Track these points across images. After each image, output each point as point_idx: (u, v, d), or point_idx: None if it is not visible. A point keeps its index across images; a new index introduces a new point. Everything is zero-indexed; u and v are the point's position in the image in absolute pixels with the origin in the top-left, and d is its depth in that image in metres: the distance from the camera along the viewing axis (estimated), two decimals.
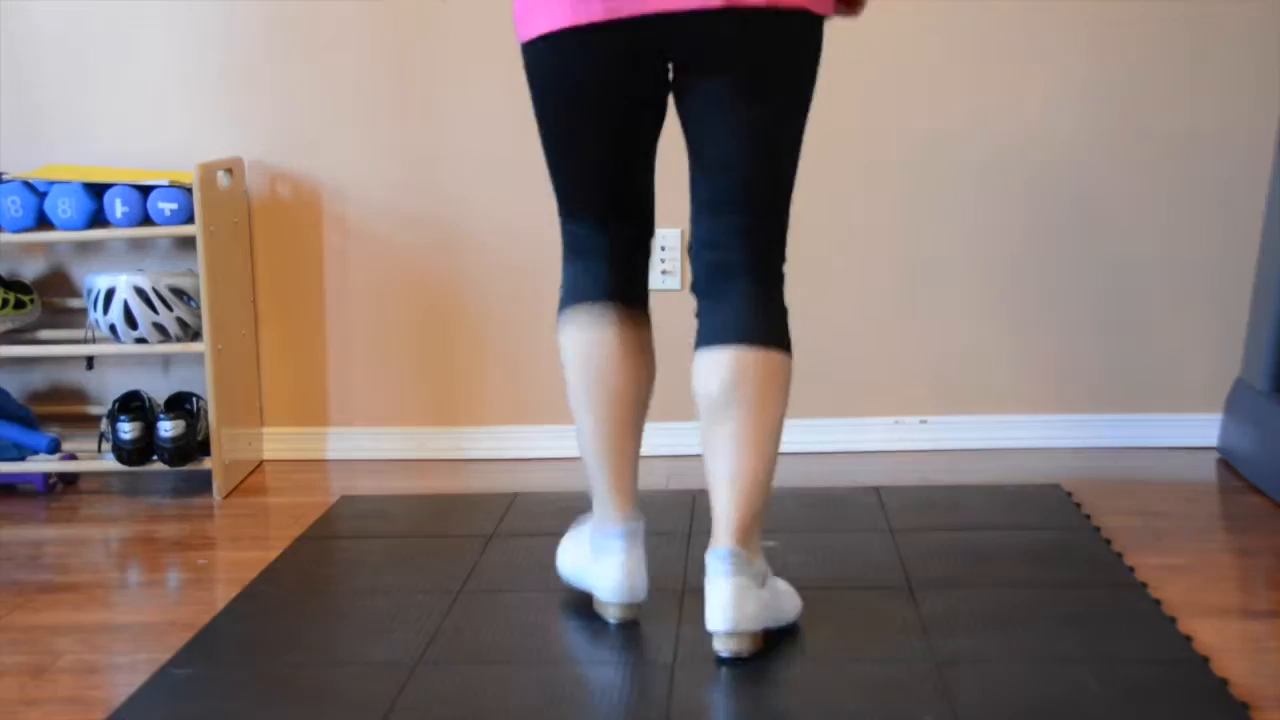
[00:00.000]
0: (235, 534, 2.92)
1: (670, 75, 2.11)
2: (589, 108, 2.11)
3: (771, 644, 2.18)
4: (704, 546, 2.63)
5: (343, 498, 3.11)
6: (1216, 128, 3.22)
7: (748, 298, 2.15)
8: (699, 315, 2.20)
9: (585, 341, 2.24)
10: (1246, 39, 3.19)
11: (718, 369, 2.13)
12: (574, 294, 2.27)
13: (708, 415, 2.15)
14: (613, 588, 2.28)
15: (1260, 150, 3.19)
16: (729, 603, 2.11)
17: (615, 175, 2.19)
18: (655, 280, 3.31)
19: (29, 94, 3.39)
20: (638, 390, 2.26)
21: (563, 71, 2.09)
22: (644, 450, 3.10)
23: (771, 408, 2.14)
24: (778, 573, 2.46)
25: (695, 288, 2.21)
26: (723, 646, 2.14)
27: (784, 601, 2.24)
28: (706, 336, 2.16)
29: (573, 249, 2.29)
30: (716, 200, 2.14)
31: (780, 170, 2.14)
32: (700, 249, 2.18)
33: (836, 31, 3.24)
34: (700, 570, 2.53)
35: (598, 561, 2.30)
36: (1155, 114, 3.23)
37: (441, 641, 2.26)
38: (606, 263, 2.26)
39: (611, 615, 2.31)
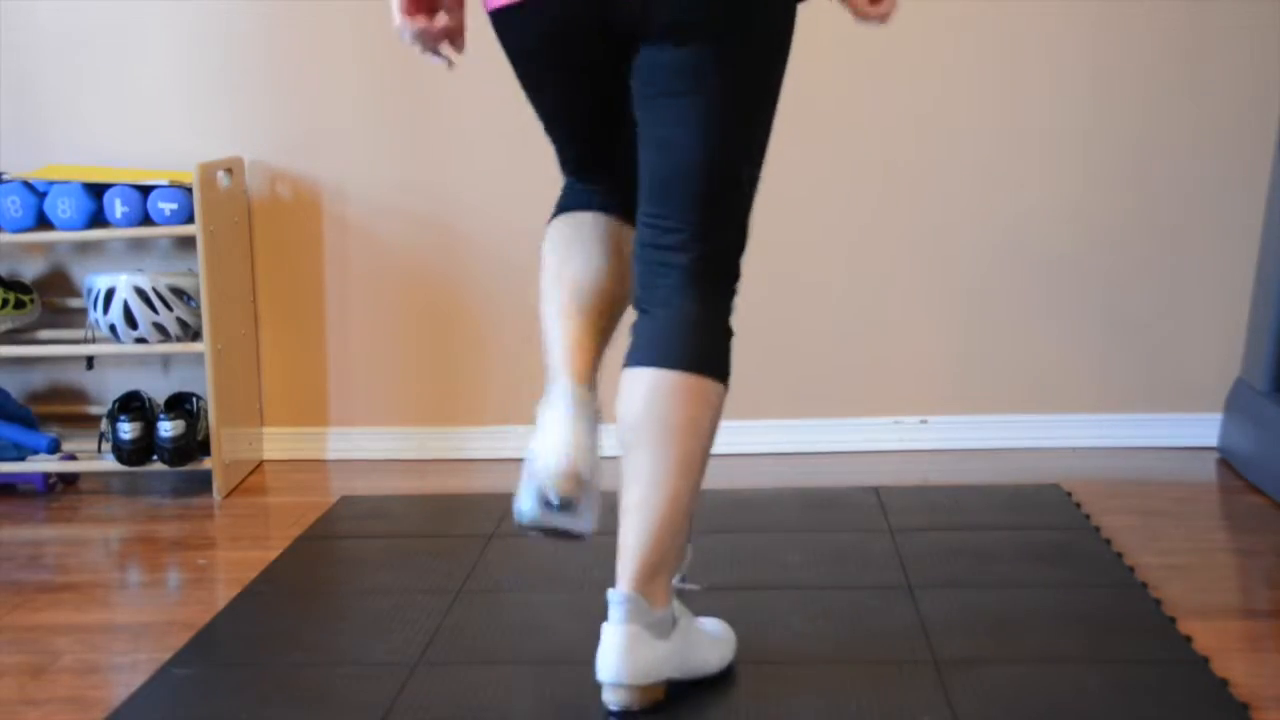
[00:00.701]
0: (235, 534, 2.92)
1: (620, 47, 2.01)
2: (549, 75, 2.06)
3: (683, 694, 2.02)
4: (704, 546, 2.63)
5: (343, 498, 3.11)
6: (1216, 127, 3.22)
7: (685, 314, 1.98)
8: (632, 330, 2.03)
9: (568, 236, 2.12)
10: (1247, 39, 3.18)
11: (635, 390, 1.95)
12: (561, 205, 2.17)
13: (622, 439, 1.96)
14: (550, 449, 1.96)
15: (1260, 150, 3.19)
16: (614, 652, 1.93)
17: (594, 142, 2.13)
18: None
19: (29, 94, 3.39)
20: (613, 289, 2.08)
21: (516, 41, 2.05)
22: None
23: (690, 440, 1.93)
24: (772, 573, 2.46)
25: (635, 300, 2.04)
26: (609, 697, 1.96)
27: (701, 651, 2.06)
28: (632, 355, 1.99)
29: (566, 185, 2.21)
30: (656, 188, 1.99)
31: (730, 159, 1.97)
32: (642, 248, 2.03)
33: (841, 24, 3.24)
34: (700, 571, 2.53)
35: (538, 434, 2.00)
36: (1155, 113, 3.23)
37: (441, 641, 2.26)
38: (601, 193, 2.14)
39: (551, 488, 1.95)
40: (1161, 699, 1.98)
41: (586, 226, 2.13)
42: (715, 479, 3.10)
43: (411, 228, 3.37)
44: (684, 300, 1.98)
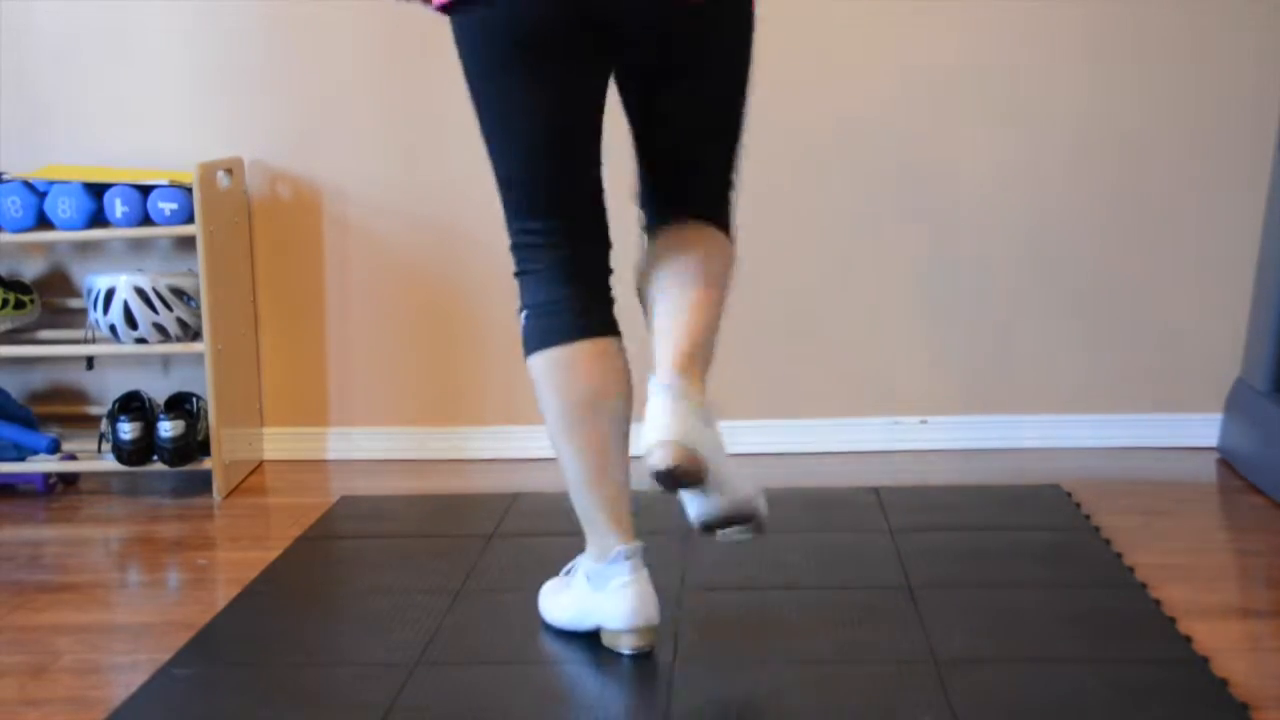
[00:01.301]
0: (235, 534, 2.92)
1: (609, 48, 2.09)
2: (548, 71, 2.07)
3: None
4: (703, 547, 2.63)
5: (343, 498, 3.11)
6: (1216, 128, 3.22)
7: (697, 207, 2.21)
8: (646, 222, 2.24)
9: (556, 380, 2.13)
10: (1247, 39, 3.18)
11: (675, 226, 2.18)
12: (539, 337, 2.16)
13: (652, 271, 2.16)
14: (627, 613, 2.14)
15: (1260, 150, 3.19)
16: (657, 415, 2.00)
17: (577, 155, 2.14)
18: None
19: (29, 94, 3.39)
20: (619, 416, 2.14)
21: (508, 36, 2.05)
22: (638, 451, 3.11)
23: (716, 261, 2.15)
24: (772, 573, 2.46)
25: (644, 218, 2.24)
26: (655, 457, 1.99)
27: (731, 464, 2.09)
28: (662, 217, 2.21)
29: (526, 270, 2.19)
30: (664, 160, 2.19)
31: (735, 130, 2.18)
32: (649, 205, 2.24)
33: (836, 26, 3.24)
34: (699, 571, 2.53)
35: (602, 592, 2.18)
36: (1155, 113, 3.23)
37: (441, 641, 2.26)
38: (565, 282, 2.15)
39: (626, 644, 2.16)
40: (1161, 699, 1.98)
41: (577, 368, 2.13)
42: None
43: (411, 228, 3.37)
44: (697, 206, 2.22)
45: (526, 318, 2.18)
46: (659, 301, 2.14)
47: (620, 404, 2.14)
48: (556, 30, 2.02)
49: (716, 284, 2.15)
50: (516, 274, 2.20)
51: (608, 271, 2.21)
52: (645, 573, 2.16)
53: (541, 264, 2.16)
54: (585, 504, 2.17)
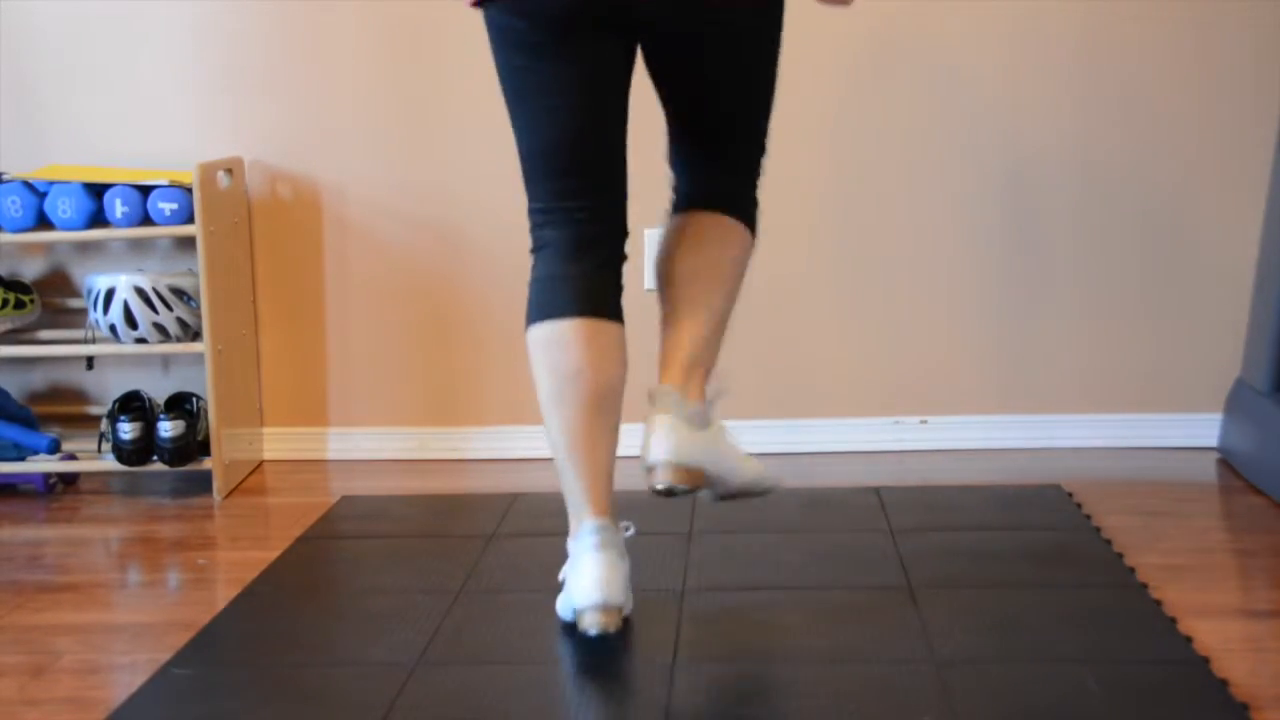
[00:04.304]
0: (235, 534, 2.92)
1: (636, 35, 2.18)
2: (573, 51, 2.13)
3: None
4: (704, 546, 2.64)
5: (343, 498, 3.11)
6: (1216, 126, 3.22)
7: (726, 183, 2.29)
8: (674, 195, 2.31)
9: (550, 351, 2.18)
10: (1247, 38, 3.18)
11: (685, 223, 2.24)
12: (539, 308, 2.21)
13: (663, 262, 2.21)
14: (587, 588, 2.15)
15: (1260, 150, 3.19)
16: (655, 435, 2.13)
17: (586, 144, 2.19)
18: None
19: (29, 94, 3.39)
20: (606, 393, 2.18)
21: (526, 30, 2.13)
22: (638, 451, 3.10)
23: (729, 252, 2.21)
24: (772, 573, 2.46)
25: (674, 181, 2.32)
26: (655, 478, 2.14)
27: (733, 457, 2.25)
28: (679, 204, 2.28)
29: (539, 241, 2.25)
30: (699, 136, 2.26)
31: (765, 109, 2.26)
32: (682, 177, 2.31)
33: (832, 26, 3.24)
34: (700, 571, 2.53)
35: (571, 569, 2.21)
36: (1155, 113, 3.23)
37: (441, 641, 2.26)
38: (574, 261, 2.20)
39: (588, 624, 2.15)
40: (1161, 699, 1.98)
41: (570, 341, 2.18)
42: None
43: (411, 228, 3.37)
44: (726, 182, 2.30)
45: (531, 290, 2.24)
46: (669, 298, 2.22)
47: (609, 385, 2.18)
48: (583, 10, 2.09)
49: (726, 284, 2.22)
50: (531, 250, 2.27)
51: (620, 256, 2.24)
52: (615, 552, 2.17)
53: (554, 240, 2.22)
54: (566, 477, 2.21)
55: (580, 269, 2.20)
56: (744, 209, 2.30)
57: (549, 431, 2.21)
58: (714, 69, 2.19)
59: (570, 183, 2.20)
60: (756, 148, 2.32)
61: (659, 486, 2.12)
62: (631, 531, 2.28)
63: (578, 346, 2.16)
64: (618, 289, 2.23)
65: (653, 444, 2.14)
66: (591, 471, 2.18)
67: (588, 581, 2.15)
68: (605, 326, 2.18)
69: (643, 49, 2.21)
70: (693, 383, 2.16)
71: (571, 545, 2.22)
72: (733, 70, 2.21)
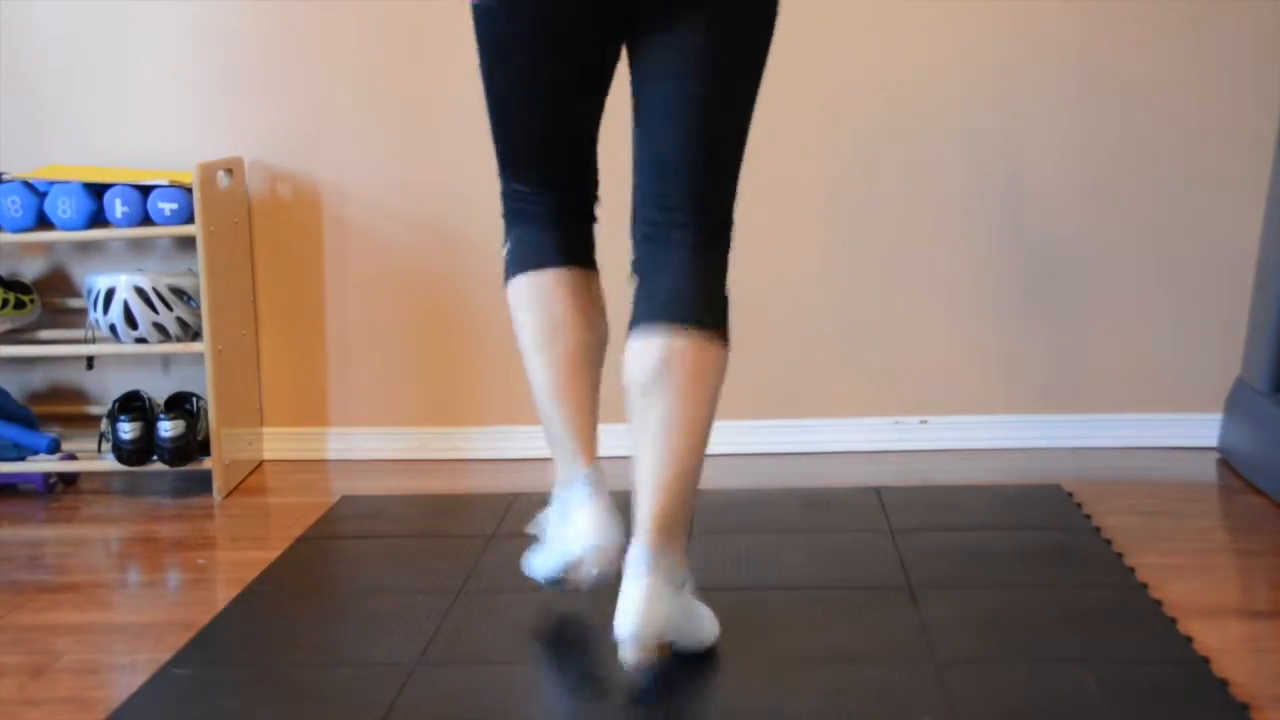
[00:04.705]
0: (235, 534, 2.92)
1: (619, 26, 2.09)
2: (549, 46, 2.10)
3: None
4: (704, 546, 2.63)
5: (343, 498, 3.11)
6: (1216, 127, 3.22)
7: (690, 280, 2.08)
8: (635, 296, 2.11)
9: (533, 298, 2.22)
10: (1247, 38, 3.18)
11: (649, 351, 2.03)
12: (520, 263, 2.24)
13: (635, 401, 2.05)
14: (586, 532, 2.13)
15: (1260, 150, 3.19)
16: (634, 605, 1.98)
17: (559, 131, 2.19)
18: None
19: (29, 94, 3.39)
20: (591, 342, 2.23)
21: (510, 21, 2.09)
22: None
23: (703, 402, 2.04)
24: (772, 573, 2.46)
25: (635, 266, 2.14)
26: (627, 651, 1.99)
27: (698, 620, 2.14)
28: (639, 316, 2.08)
29: (513, 214, 2.28)
30: (659, 167, 2.08)
31: (731, 134, 2.09)
32: (642, 223, 2.12)
33: (833, 26, 3.24)
34: (699, 571, 2.53)
35: (563, 519, 2.21)
36: (1155, 113, 3.23)
37: (441, 641, 2.26)
38: (551, 228, 2.25)
39: (589, 565, 2.12)
40: (1161, 699, 1.98)
41: (554, 290, 2.21)
42: (715, 479, 3.10)
43: (411, 228, 3.37)
44: (688, 270, 2.09)
45: (509, 250, 2.26)
46: (643, 444, 2.05)
47: (593, 333, 2.22)
48: (566, 9, 2.06)
49: (705, 426, 2.06)
50: (504, 214, 2.29)
51: (591, 218, 2.28)
52: (606, 497, 2.17)
53: (526, 212, 2.26)
54: (551, 425, 2.22)
55: (556, 234, 2.24)
56: (716, 315, 2.09)
57: (533, 381, 2.23)
58: (698, 57, 2.05)
59: (539, 174, 2.23)
60: (725, 199, 2.12)
61: (630, 661, 1.99)
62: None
63: (561, 295, 2.20)
64: (591, 245, 2.28)
65: (630, 611, 1.98)
66: (579, 420, 2.20)
67: (587, 526, 2.14)
68: (587, 275, 2.24)
69: (628, 45, 2.12)
70: (674, 539, 2.05)
71: (564, 495, 2.23)
72: (714, 66, 2.05)
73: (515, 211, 2.28)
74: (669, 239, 2.10)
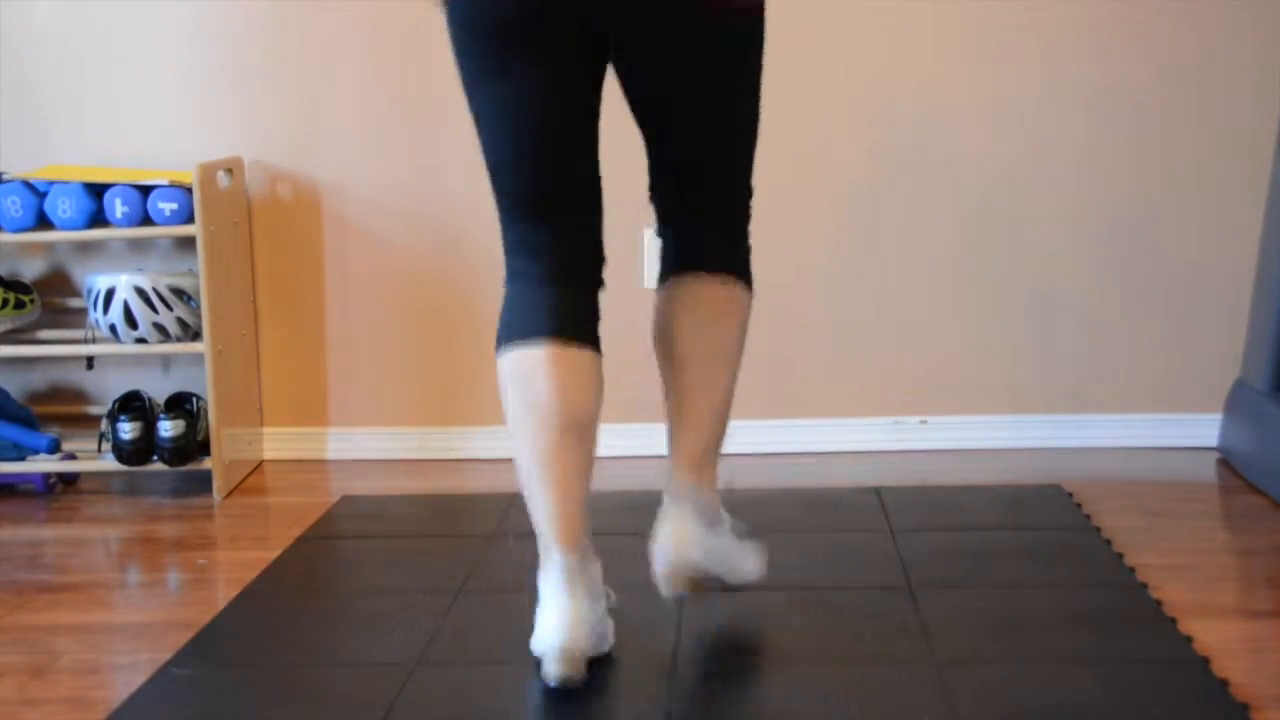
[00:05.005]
0: (235, 534, 2.92)
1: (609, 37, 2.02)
2: (531, 60, 2.00)
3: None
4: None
5: (343, 498, 3.11)
6: (1217, 127, 3.22)
7: (712, 234, 2.17)
8: (662, 251, 2.18)
9: (518, 374, 2.04)
10: (1247, 38, 3.18)
11: (681, 291, 2.11)
12: (510, 332, 2.06)
13: (668, 340, 2.11)
14: (548, 632, 2.01)
15: (1260, 150, 3.19)
16: (669, 537, 2.09)
17: (565, 154, 2.05)
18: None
19: (29, 94, 3.39)
20: (583, 422, 2.04)
21: (491, 12, 1.99)
22: (637, 451, 3.11)
23: (731, 338, 2.12)
24: (772, 573, 2.46)
25: (659, 229, 2.19)
26: (663, 582, 2.11)
27: (740, 556, 2.22)
28: (671, 264, 2.16)
29: (511, 273, 2.11)
30: (680, 160, 2.13)
31: (748, 125, 2.14)
32: (662, 201, 2.18)
33: (834, 25, 3.24)
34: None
35: (539, 609, 2.07)
36: (1155, 113, 3.23)
37: (441, 641, 2.26)
38: (550, 287, 2.07)
39: (547, 671, 2.01)
40: (1161, 699, 1.98)
41: (541, 369, 2.01)
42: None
43: (411, 228, 3.37)
44: (712, 230, 2.18)
45: (502, 312, 2.09)
46: (674, 382, 2.14)
47: (583, 414, 2.03)
48: (536, 16, 1.96)
49: (732, 362, 2.15)
50: (505, 277, 2.12)
51: (597, 281, 2.12)
52: (583, 592, 2.03)
53: (527, 268, 2.08)
54: (535, 507, 2.07)
55: (555, 293, 2.06)
56: (740, 266, 2.20)
57: (518, 461, 2.07)
58: (685, 78, 2.04)
59: (536, 205, 2.07)
60: (741, 185, 2.18)
61: (667, 593, 2.10)
62: (611, 600, 2.15)
63: (549, 374, 2.00)
64: (594, 314, 2.09)
65: (667, 545, 2.09)
66: (561, 502, 2.03)
67: (550, 623, 2.01)
68: (579, 354, 2.03)
69: (613, 63, 2.06)
70: (705, 474, 2.11)
71: (540, 577, 2.08)
72: (706, 83, 2.05)
73: (514, 265, 2.10)
74: (694, 213, 2.17)
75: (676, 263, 2.18)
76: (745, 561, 2.23)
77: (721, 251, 2.18)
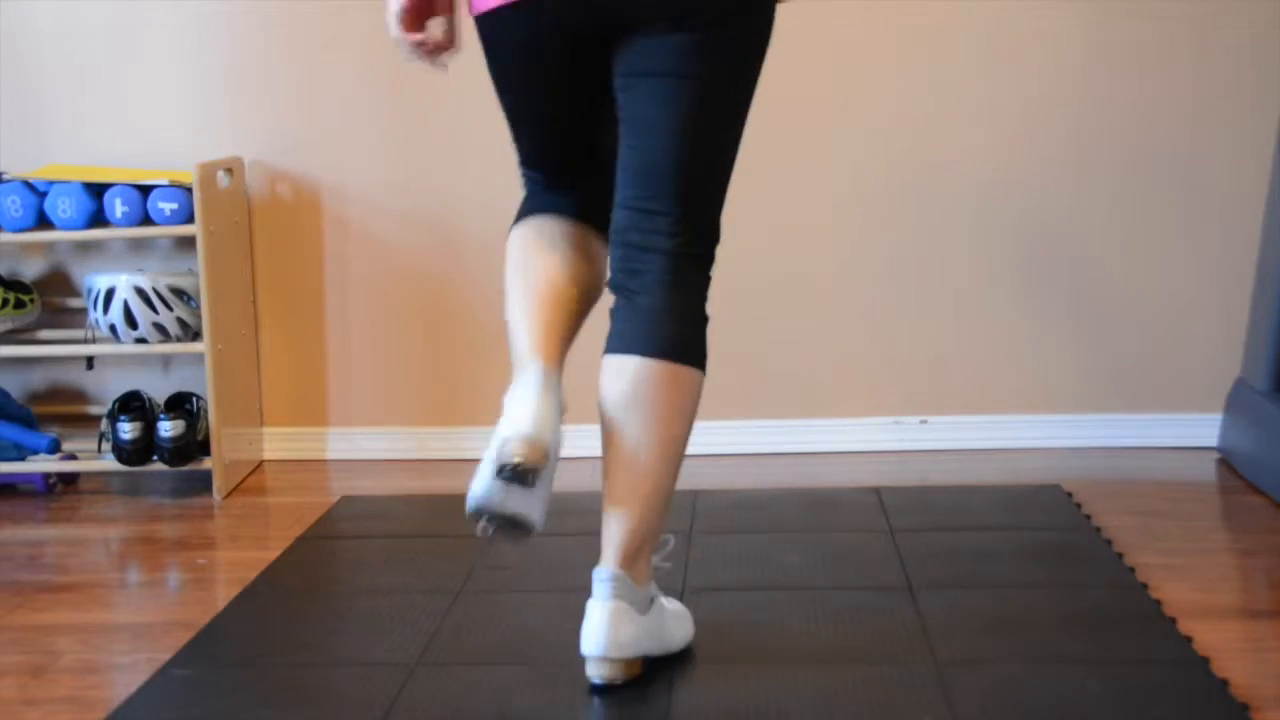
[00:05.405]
0: (235, 534, 2.92)
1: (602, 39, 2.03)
2: (538, 73, 2.07)
3: (654, 668, 2.09)
4: (704, 546, 2.64)
5: (343, 498, 3.11)
6: (1217, 127, 3.22)
7: (667, 302, 2.03)
8: (612, 316, 2.07)
9: (533, 239, 2.14)
10: (1247, 39, 3.18)
11: (621, 376, 2.00)
12: (527, 211, 2.19)
13: (607, 424, 2.02)
14: (519, 419, 1.94)
15: (1260, 150, 3.19)
16: (599, 627, 2.02)
17: (574, 145, 2.16)
18: None
19: (29, 94, 3.39)
20: (580, 290, 2.10)
21: (505, 40, 2.05)
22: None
23: (674, 426, 2.01)
24: (772, 573, 2.46)
25: (612, 283, 2.09)
26: (593, 671, 2.04)
27: (671, 629, 2.14)
28: (615, 341, 2.04)
29: (531, 191, 2.23)
30: (640, 171, 2.04)
31: (715, 145, 2.04)
32: (622, 232, 2.07)
33: (834, 28, 3.24)
34: (700, 571, 2.53)
35: (506, 405, 1.99)
36: (1155, 113, 3.23)
37: (441, 641, 2.26)
38: (567, 202, 2.17)
39: (509, 452, 1.91)
40: (1161, 699, 1.98)
41: (552, 230, 2.15)
42: (715, 479, 3.11)
43: (411, 228, 3.37)
44: (666, 287, 2.04)
45: (519, 210, 2.23)
46: (611, 467, 2.03)
47: (571, 281, 2.10)
48: (552, 32, 2.02)
49: (676, 452, 2.04)
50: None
51: (607, 222, 2.13)
52: (551, 400, 1.98)
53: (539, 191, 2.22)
54: (515, 333, 2.07)
55: (572, 194, 2.18)
56: (694, 345, 2.06)
57: (509, 296, 2.11)
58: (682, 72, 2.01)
59: (555, 177, 2.19)
60: (711, 208, 2.08)
61: (597, 681, 2.05)
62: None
63: (561, 235, 2.13)
64: (607, 208, 2.11)
65: (598, 636, 2.02)
66: (544, 332, 2.05)
67: (518, 413, 1.95)
68: (592, 234, 2.15)
69: (613, 55, 2.06)
70: (639, 565, 2.04)
71: (508, 395, 2.02)
72: (699, 81, 2.00)
73: (530, 190, 2.24)
74: (650, 248, 2.04)
75: (626, 334, 2.06)
76: (675, 634, 2.16)
77: (677, 318, 2.06)
